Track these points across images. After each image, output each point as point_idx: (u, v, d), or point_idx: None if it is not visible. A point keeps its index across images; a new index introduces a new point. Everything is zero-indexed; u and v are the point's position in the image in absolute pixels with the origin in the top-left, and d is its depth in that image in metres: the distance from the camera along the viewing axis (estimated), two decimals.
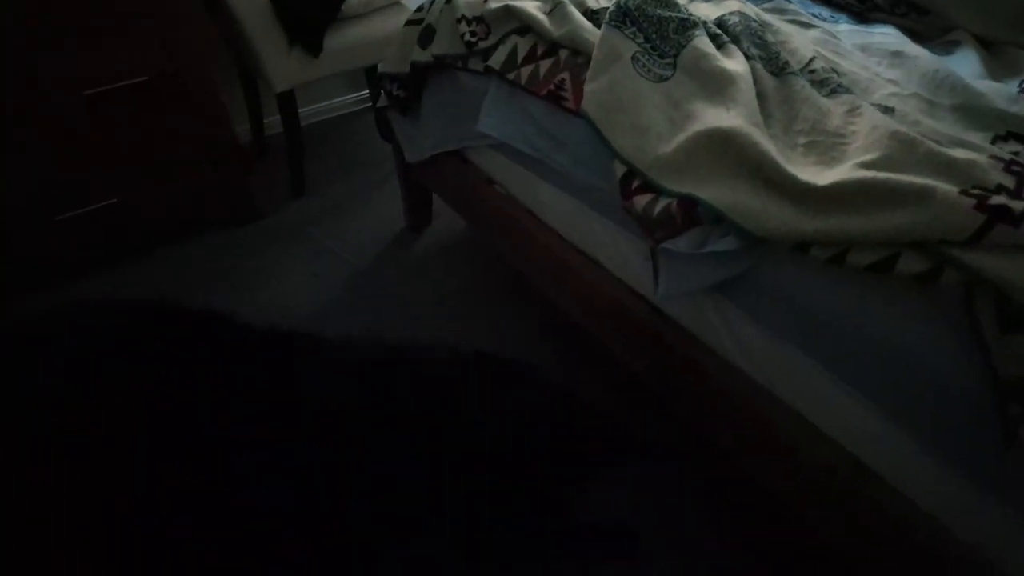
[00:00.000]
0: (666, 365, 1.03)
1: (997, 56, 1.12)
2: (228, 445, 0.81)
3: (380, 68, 1.43)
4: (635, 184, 0.89)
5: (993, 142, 0.83)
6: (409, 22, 1.33)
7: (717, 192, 0.80)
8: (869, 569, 0.83)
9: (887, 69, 1.04)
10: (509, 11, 1.13)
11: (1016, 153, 0.79)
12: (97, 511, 0.78)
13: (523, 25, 1.11)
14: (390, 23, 1.76)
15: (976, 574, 0.70)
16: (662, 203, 0.85)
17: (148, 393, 0.82)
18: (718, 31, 1.02)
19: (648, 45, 1.00)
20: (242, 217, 1.82)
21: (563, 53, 1.06)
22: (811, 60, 1.00)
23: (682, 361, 0.98)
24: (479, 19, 1.18)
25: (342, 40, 1.74)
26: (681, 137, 0.87)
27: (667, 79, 0.96)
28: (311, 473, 0.81)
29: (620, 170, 0.91)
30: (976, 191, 0.67)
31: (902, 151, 0.76)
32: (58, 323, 0.90)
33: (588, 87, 0.98)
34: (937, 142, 0.77)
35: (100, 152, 1.48)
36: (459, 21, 1.20)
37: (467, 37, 1.18)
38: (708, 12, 1.13)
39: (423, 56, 1.27)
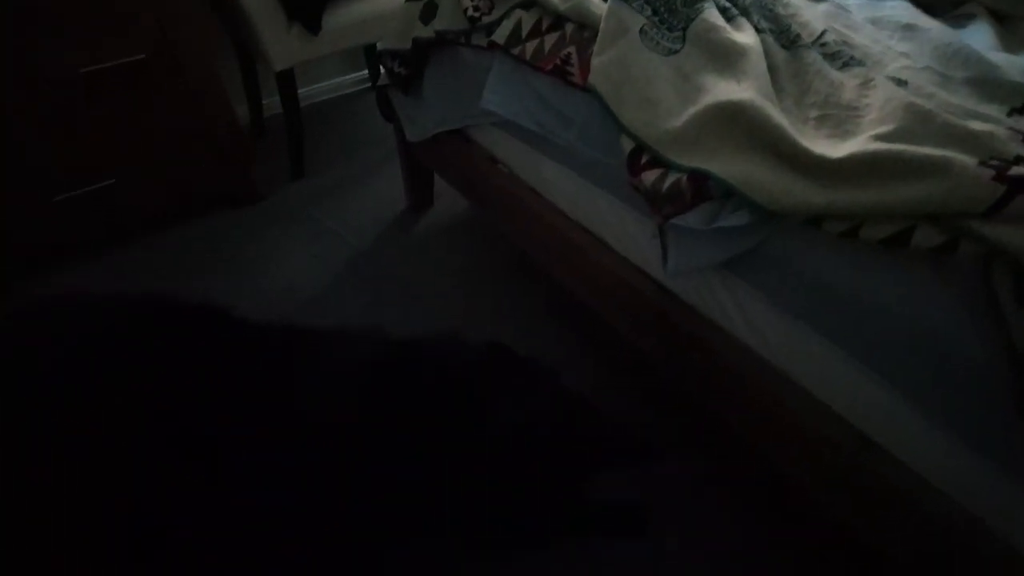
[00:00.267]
0: (672, 343, 1.02)
1: (1011, 29, 1.10)
2: (228, 445, 0.81)
3: (380, 45, 1.40)
4: (644, 159, 0.88)
5: (1009, 115, 0.81)
6: None
7: (728, 166, 0.79)
8: (876, 545, 0.83)
9: (899, 42, 1.02)
10: None
11: None
12: (96, 511, 0.77)
13: None
14: (391, 0, 1.73)
15: (985, 547, 0.70)
16: (671, 178, 0.83)
17: (147, 392, 0.81)
18: (727, 4, 1.00)
19: (656, 18, 0.98)
20: (242, 198, 1.80)
21: (569, 27, 1.04)
22: (822, 33, 0.98)
23: (688, 339, 0.98)
24: None
25: (342, 17, 1.71)
26: (691, 111, 0.85)
27: (676, 52, 0.94)
28: (311, 472, 0.81)
29: (628, 145, 0.90)
30: (995, 162, 0.66)
31: (918, 123, 0.75)
32: (56, 320, 0.88)
33: (595, 61, 0.96)
34: (952, 115, 0.76)
35: (98, 132, 1.45)
36: None
37: (470, 12, 1.15)
38: None
39: (425, 32, 1.24)
